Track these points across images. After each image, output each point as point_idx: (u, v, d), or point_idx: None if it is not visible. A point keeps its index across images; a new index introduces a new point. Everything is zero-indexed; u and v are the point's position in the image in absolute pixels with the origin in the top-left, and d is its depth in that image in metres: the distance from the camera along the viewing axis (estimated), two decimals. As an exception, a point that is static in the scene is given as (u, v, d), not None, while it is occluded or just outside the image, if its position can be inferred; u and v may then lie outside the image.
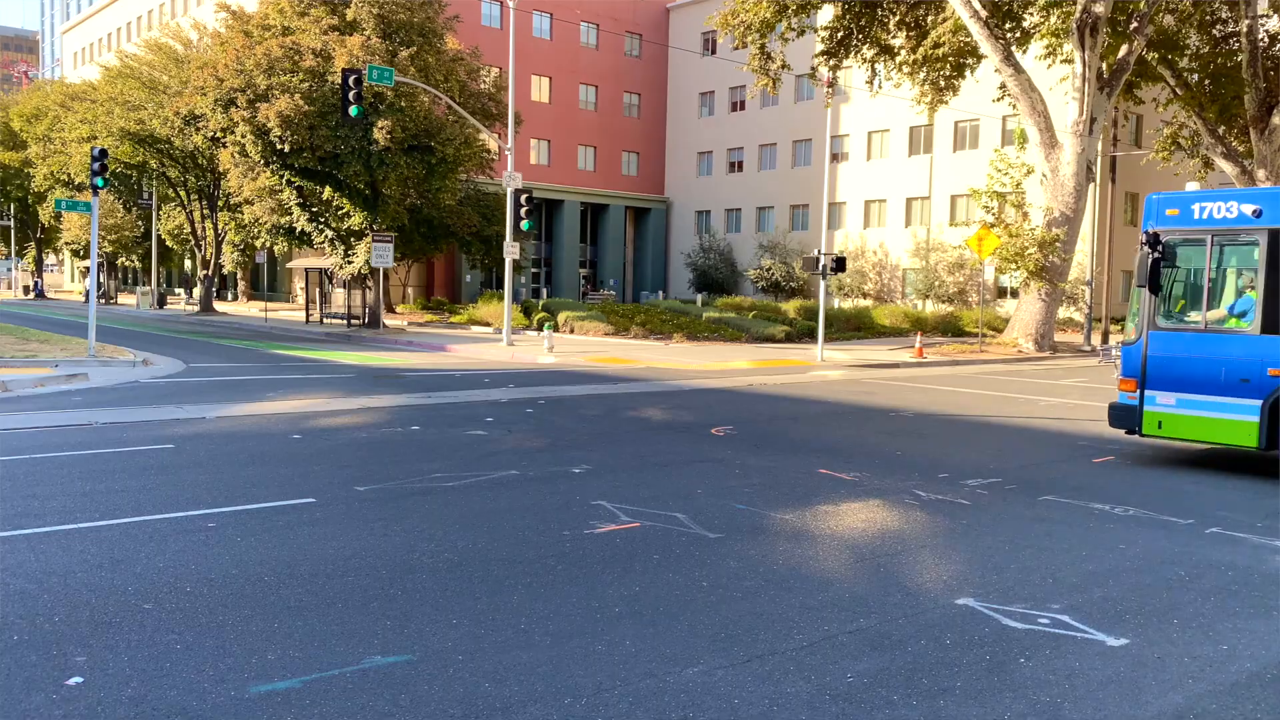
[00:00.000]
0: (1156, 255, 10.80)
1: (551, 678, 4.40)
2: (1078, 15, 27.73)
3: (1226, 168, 36.65)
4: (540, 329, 30.81)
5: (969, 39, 30.75)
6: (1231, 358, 10.33)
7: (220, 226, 46.93)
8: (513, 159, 28.40)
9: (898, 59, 33.68)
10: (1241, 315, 10.64)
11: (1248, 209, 10.45)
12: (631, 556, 6.38)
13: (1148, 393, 10.81)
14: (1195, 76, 36.43)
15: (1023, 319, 30.05)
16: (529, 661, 4.58)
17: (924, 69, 32.93)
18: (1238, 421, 10.17)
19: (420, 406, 14.07)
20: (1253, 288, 10.49)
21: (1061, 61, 32.77)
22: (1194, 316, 10.87)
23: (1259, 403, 9.93)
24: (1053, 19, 30.28)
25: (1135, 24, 29.55)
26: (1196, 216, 10.75)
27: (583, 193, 56.06)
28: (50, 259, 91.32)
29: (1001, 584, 5.97)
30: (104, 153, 19.98)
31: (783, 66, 31.91)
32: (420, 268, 51.20)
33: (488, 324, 34.65)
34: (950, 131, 47.01)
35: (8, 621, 4.93)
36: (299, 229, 35.45)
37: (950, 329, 36.63)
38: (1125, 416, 11.00)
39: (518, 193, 27.14)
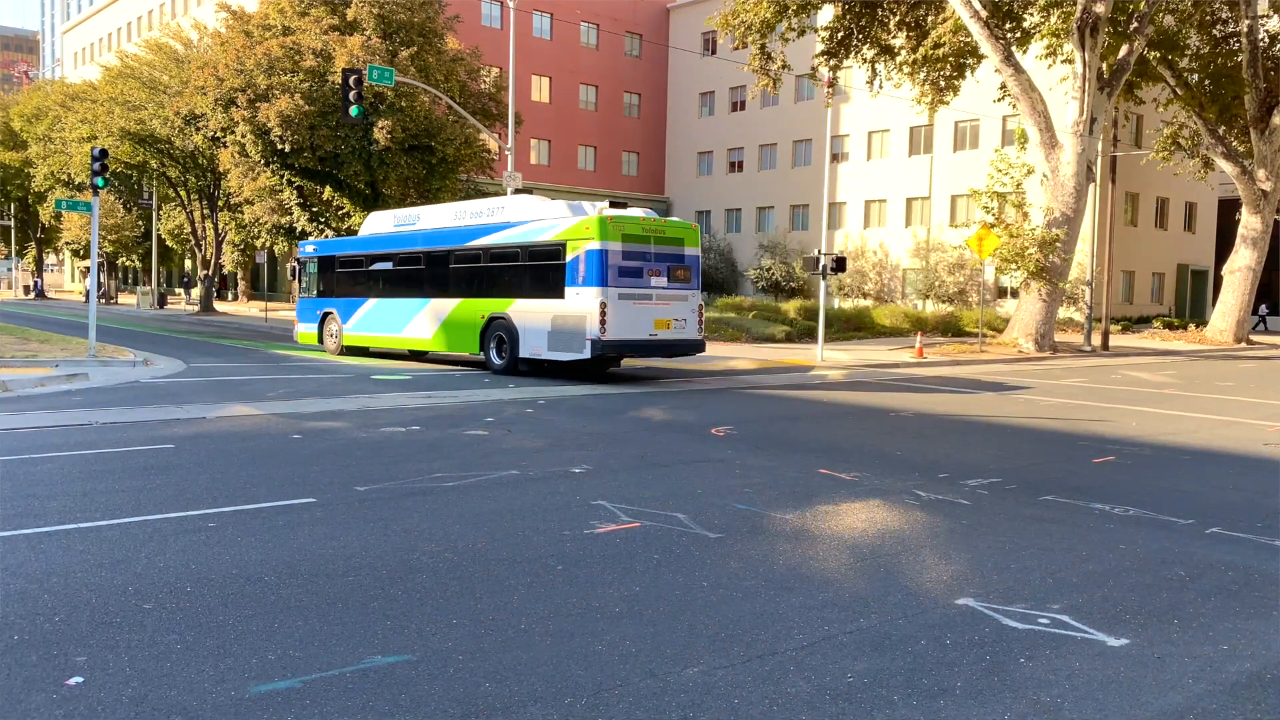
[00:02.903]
0: (298, 268, 25.04)
1: (551, 678, 4.40)
2: (1078, 15, 27.72)
3: (1226, 168, 36.62)
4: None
5: (969, 39, 30.74)
6: (312, 306, 24.38)
7: (220, 226, 46.93)
8: (513, 159, 28.41)
9: (898, 59, 33.66)
10: (312, 290, 24.48)
11: (314, 248, 24.70)
12: (632, 556, 6.38)
13: (296, 324, 25.26)
14: (1195, 76, 36.41)
15: (1023, 319, 30.04)
16: (529, 661, 4.58)
17: (924, 69, 32.92)
18: (314, 333, 24.28)
19: (420, 406, 14.07)
20: (318, 282, 24.32)
21: (1062, 61, 32.75)
22: (305, 291, 24.88)
23: (316, 322, 24.11)
24: (1053, 19, 30.27)
25: (1135, 24, 29.54)
26: (309, 251, 24.80)
27: (583, 193, 55.97)
28: (50, 259, 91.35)
29: (1001, 584, 5.97)
30: (104, 153, 19.98)
31: (783, 66, 31.90)
32: (420, 268, 51.10)
33: (488, 324, 34.60)
34: (950, 131, 47.00)
35: (8, 621, 4.93)
36: (299, 229, 35.47)
37: (950, 329, 36.61)
38: (294, 336, 25.74)
39: (518, 193, 27.13)
